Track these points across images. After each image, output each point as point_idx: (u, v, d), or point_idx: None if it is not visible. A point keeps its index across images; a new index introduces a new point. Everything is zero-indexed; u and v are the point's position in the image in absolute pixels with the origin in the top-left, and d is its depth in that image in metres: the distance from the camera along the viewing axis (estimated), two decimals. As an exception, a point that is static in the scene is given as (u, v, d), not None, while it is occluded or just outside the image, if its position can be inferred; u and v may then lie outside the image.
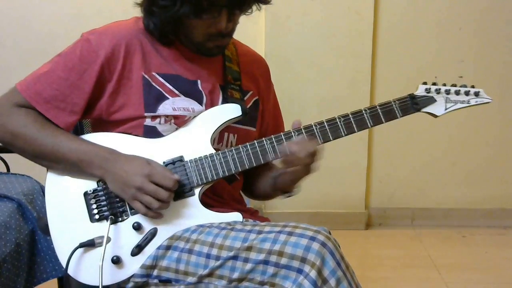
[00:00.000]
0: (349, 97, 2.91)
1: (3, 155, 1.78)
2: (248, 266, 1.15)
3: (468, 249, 2.84)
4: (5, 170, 1.76)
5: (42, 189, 1.60)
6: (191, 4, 1.18)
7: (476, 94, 1.33)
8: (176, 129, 1.30)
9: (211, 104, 1.33)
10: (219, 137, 1.34)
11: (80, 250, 1.24)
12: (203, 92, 1.32)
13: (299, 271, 1.11)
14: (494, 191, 3.06)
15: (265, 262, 1.13)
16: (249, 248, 1.15)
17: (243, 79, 1.40)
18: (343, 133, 1.31)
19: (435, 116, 1.34)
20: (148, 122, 1.28)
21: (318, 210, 3.01)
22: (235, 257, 1.16)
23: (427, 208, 3.10)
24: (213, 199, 1.34)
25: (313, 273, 1.09)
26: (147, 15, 1.27)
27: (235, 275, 1.16)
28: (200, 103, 1.31)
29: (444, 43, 2.91)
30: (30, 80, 1.27)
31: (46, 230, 1.27)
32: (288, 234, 1.14)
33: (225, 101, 1.35)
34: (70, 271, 1.24)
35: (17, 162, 1.79)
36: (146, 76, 1.28)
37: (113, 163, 1.23)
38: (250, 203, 1.48)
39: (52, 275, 1.47)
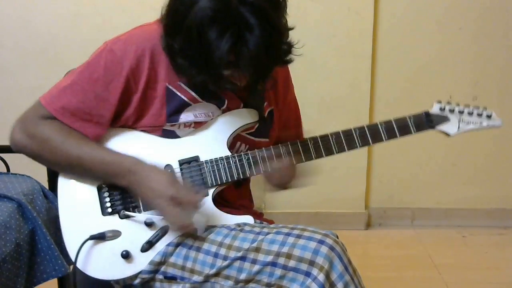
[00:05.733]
0: (349, 97, 2.91)
1: (3, 155, 1.78)
2: (256, 267, 1.15)
3: (468, 249, 2.84)
4: (5, 170, 1.76)
5: (42, 189, 1.60)
6: (211, 76, 1.15)
7: (488, 116, 1.34)
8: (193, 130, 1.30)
9: (230, 107, 1.33)
10: (231, 144, 1.34)
11: (90, 243, 1.24)
12: (225, 100, 1.31)
13: (307, 274, 1.11)
14: (494, 191, 3.06)
15: (273, 264, 1.14)
16: (257, 250, 1.16)
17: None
18: (358, 145, 1.32)
19: (448, 135, 1.35)
20: (167, 127, 1.28)
21: (318, 210, 3.01)
22: (243, 258, 1.17)
23: (427, 208, 3.09)
24: (221, 204, 1.33)
25: (321, 277, 1.10)
26: (170, 60, 1.21)
27: (242, 276, 1.16)
28: (220, 106, 1.31)
29: (444, 43, 2.91)
30: (55, 94, 1.25)
31: (51, 224, 1.28)
32: (297, 237, 1.15)
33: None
34: (78, 264, 1.24)
35: (17, 162, 1.78)
36: (170, 87, 1.26)
37: (139, 176, 1.21)
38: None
39: (52, 275, 1.47)
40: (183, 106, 1.27)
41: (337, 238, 1.17)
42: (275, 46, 1.13)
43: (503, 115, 3.00)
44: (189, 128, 1.29)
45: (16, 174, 1.65)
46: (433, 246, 2.84)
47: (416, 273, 2.56)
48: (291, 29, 1.20)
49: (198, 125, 1.30)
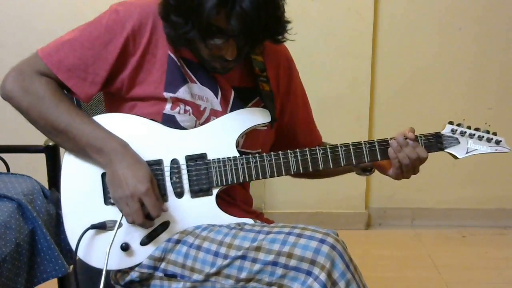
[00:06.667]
0: (349, 97, 2.91)
1: (3, 155, 1.78)
2: (257, 266, 1.15)
3: (468, 249, 2.84)
4: (5, 170, 1.76)
5: (42, 189, 1.60)
6: (200, 30, 1.15)
7: (497, 142, 1.33)
8: (200, 124, 1.29)
9: (224, 97, 1.32)
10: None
11: (90, 233, 1.24)
12: (218, 85, 1.31)
13: (308, 273, 1.11)
14: (494, 191, 3.06)
15: (274, 263, 1.14)
16: (258, 249, 1.16)
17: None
18: (366, 160, 1.31)
19: (456, 157, 1.35)
20: (167, 110, 1.26)
21: (318, 210, 3.01)
22: (243, 257, 1.16)
23: (427, 208, 3.10)
24: (223, 198, 1.33)
25: (323, 276, 1.10)
26: (163, 19, 1.22)
27: (243, 275, 1.16)
28: (216, 94, 1.30)
29: (444, 43, 2.91)
30: (53, 47, 1.25)
31: (57, 204, 1.26)
32: (298, 236, 1.15)
33: (236, 99, 1.33)
34: (79, 254, 1.24)
35: (17, 162, 1.79)
36: (172, 56, 1.26)
37: (121, 158, 1.21)
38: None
39: (52, 275, 1.47)
40: (181, 80, 1.27)
41: (338, 236, 1.17)
42: (268, 12, 1.14)
43: (502, 115, 2.99)
44: (189, 115, 1.28)
45: (16, 174, 1.65)
46: (433, 246, 2.84)
47: (416, 273, 2.56)
48: (289, 21, 1.22)
49: (196, 112, 1.28)
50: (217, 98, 1.31)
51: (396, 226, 3.08)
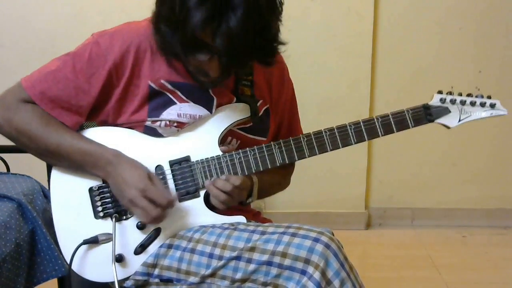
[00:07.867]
0: (349, 97, 2.91)
1: (3, 155, 1.78)
2: (251, 266, 1.15)
3: (468, 249, 2.84)
4: (5, 170, 1.76)
5: (42, 189, 1.60)
6: (185, 43, 1.13)
7: (492, 105, 1.29)
8: (182, 128, 1.29)
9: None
10: (222, 139, 1.32)
11: (84, 246, 1.25)
12: (214, 98, 1.30)
13: (303, 272, 1.11)
14: (494, 191, 3.06)
15: (269, 263, 1.14)
16: (252, 249, 1.16)
17: (255, 84, 1.36)
18: (352, 141, 1.29)
19: (448, 127, 1.30)
20: (148, 123, 1.27)
21: (318, 210, 3.01)
22: (238, 258, 1.16)
23: (427, 208, 3.10)
24: None
25: (317, 275, 1.10)
26: (154, 28, 1.21)
27: (238, 275, 1.16)
28: (210, 109, 1.30)
29: (444, 43, 2.91)
30: (36, 78, 1.26)
31: (50, 224, 1.28)
32: (292, 235, 1.15)
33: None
34: (74, 268, 1.25)
35: (17, 162, 1.79)
36: (152, 85, 1.26)
37: (116, 167, 1.22)
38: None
39: (52, 275, 1.47)
40: (167, 103, 1.27)
41: (333, 235, 1.17)
42: (257, 33, 1.10)
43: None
44: (171, 128, 1.28)
45: (16, 174, 1.65)
46: (433, 246, 2.84)
47: (416, 273, 2.56)
48: (284, 43, 1.20)
49: (181, 126, 1.28)
50: (211, 112, 1.30)
51: (396, 226, 3.08)
